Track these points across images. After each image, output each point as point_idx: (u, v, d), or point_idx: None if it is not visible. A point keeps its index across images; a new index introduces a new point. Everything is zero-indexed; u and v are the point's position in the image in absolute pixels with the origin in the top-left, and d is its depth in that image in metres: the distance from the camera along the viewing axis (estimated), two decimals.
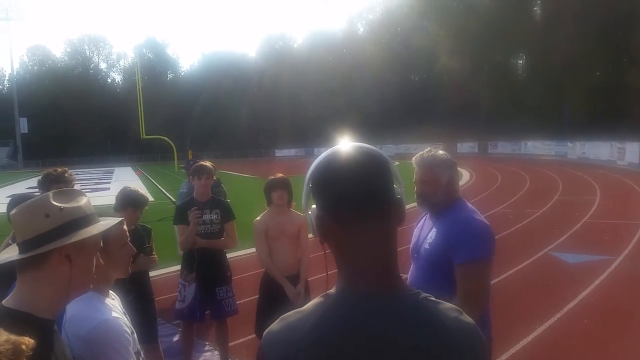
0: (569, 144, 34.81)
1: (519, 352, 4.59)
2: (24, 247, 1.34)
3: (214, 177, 5.77)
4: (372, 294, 1.01)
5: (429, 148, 2.61)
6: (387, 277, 1.03)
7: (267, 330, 1.05)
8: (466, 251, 2.27)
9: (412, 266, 2.62)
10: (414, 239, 2.67)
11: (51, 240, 1.33)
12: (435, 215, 2.53)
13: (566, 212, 12.20)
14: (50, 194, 1.41)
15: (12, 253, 1.38)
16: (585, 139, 32.72)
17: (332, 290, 1.05)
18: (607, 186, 17.02)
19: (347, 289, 1.03)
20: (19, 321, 1.28)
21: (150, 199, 19.48)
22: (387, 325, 0.97)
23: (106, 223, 1.49)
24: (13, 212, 1.39)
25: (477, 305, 2.22)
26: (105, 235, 1.50)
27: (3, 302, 1.36)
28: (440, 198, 2.47)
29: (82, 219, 1.41)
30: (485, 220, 2.45)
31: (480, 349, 1.02)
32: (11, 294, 1.37)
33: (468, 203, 2.57)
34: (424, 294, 1.04)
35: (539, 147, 39.00)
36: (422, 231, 2.59)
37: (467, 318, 1.03)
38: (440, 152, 2.54)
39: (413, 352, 0.96)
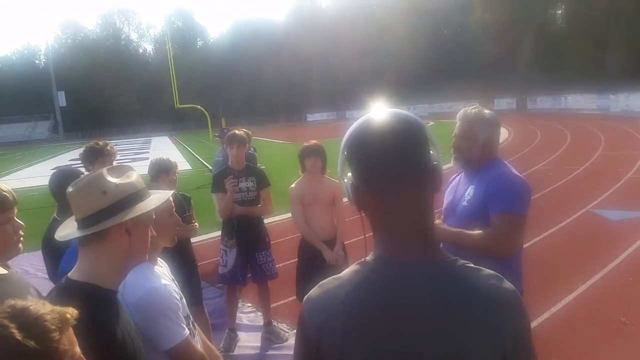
0: (612, 97, 33.30)
1: (560, 311, 4.56)
2: (84, 223, 1.42)
3: (250, 146, 5.82)
4: (409, 262, 1.01)
5: (474, 105, 2.63)
6: (423, 245, 1.03)
7: (306, 297, 1.07)
8: (502, 203, 2.32)
9: (445, 225, 2.62)
10: (447, 199, 2.67)
11: (110, 216, 1.40)
12: (472, 173, 2.54)
13: (609, 168, 11.80)
14: (105, 170, 1.47)
15: (70, 229, 1.46)
16: (629, 90, 31.23)
17: (369, 258, 1.06)
18: None
19: (383, 257, 1.03)
20: (85, 292, 1.37)
21: (188, 167, 20.07)
22: (424, 294, 0.97)
23: (158, 197, 1.56)
24: (70, 190, 1.46)
25: (508, 248, 2.31)
26: None
27: (69, 274, 1.45)
28: (475, 156, 2.49)
29: (136, 194, 1.48)
30: (523, 177, 2.47)
31: (521, 315, 1.01)
32: (75, 267, 1.45)
33: (506, 162, 2.57)
34: (462, 261, 1.03)
35: (580, 101, 37.50)
36: (458, 190, 2.59)
37: (507, 284, 1.01)
38: (486, 110, 2.55)
39: (451, 322, 0.95)
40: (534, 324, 4.13)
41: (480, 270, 1.02)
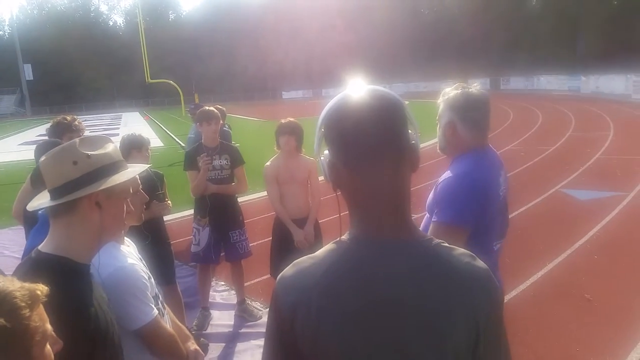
0: (583, 78, 33.91)
1: (529, 288, 4.68)
2: (54, 194, 1.37)
3: (225, 123, 5.71)
4: (384, 241, 1.00)
5: (457, 85, 2.29)
6: (399, 225, 1.02)
7: (280, 275, 1.05)
8: (438, 210, 2.05)
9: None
10: None
11: (80, 187, 1.35)
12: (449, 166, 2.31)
13: (578, 148, 12.08)
14: (77, 141, 1.41)
15: (43, 200, 1.41)
16: (599, 72, 31.85)
17: (345, 237, 1.04)
18: (621, 121, 16.74)
19: (359, 236, 1.02)
20: (56, 265, 1.32)
21: (160, 144, 19.74)
22: (399, 274, 0.97)
23: (134, 170, 1.51)
24: (42, 159, 1.41)
25: None
26: None
27: (39, 247, 1.40)
28: (442, 143, 2.25)
29: (110, 166, 1.42)
30: (484, 178, 2.10)
31: (494, 292, 1.01)
32: (46, 239, 1.40)
33: (480, 155, 2.18)
34: (437, 240, 1.03)
35: (552, 82, 38.09)
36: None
37: (480, 263, 1.02)
38: (470, 90, 2.23)
39: (426, 300, 0.96)
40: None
41: (454, 249, 1.02)
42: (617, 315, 4.11)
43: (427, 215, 2.30)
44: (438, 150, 2.30)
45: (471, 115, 2.15)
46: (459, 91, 2.19)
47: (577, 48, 43.65)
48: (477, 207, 2.03)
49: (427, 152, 2.57)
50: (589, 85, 32.53)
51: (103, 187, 1.37)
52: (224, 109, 6.58)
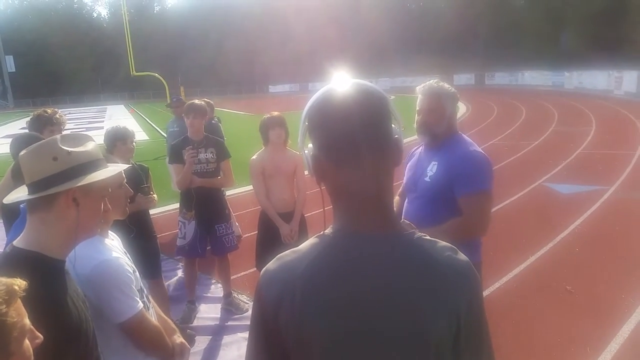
0: (566, 74, 34.28)
1: (511, 280, 4.75)
2: (32, 188, 1.37)
3: (215, 116, 5.68)
4: (367, 235, 1.01)
5: (435, 79, 2.62)
6: (382, 219, 1.03)
7: (264, 269, 1.06)
8: (469, 184, 2.37)
9: (407, 199, 2.65)
10: (408, 173, 2.68)
11: (58, 183, 1.35)
12: (434, 149, 2.54)
13: (561, 143, 12.23)
14: (59, 137, 1.41)
15: (21, 193, 1.41)
16: (582, 68, 32.20)
17: (328, 231, 1.05)
18: (603, 116, 16.96)
19: (342, 230, 1.03)
20: (30, 260, 1.31)
21: (146, 137, 19.53)
22: (381, 267, 0.98)
23: (113, 169, 1.50)
24: (22, 153, 1.40)
25: (481, 229, 2.43)
26: None
27: (14, 242, 1.39)
28: (442, 130, 2.50)
29: (90, 164, 1.42)
30: (484, 153, 2.51)
31: (474, 285, 1.03)
32: (21, 234, 1.40)
33: (465, 137, 2.60)
34: (419, 233, 1.04)
35: (536, 78, 38.44)
36: (419, 165, 2.60)
37: (461, 256, 1.03)
38: (446, 85, 2.55)
39: (407, 292, 0.97)
40: (486, 293, 4.29)
41: (436, 242, 1.04)
42: (597, 307, 4.19)
43: (410, 196, 2.50)
44: (420, 135, 2.59)
45: (457, 105, 2.63)
46: (447, 85, 2.56)
47: (561, 44, 44.06)
48: (493, 177, 2.46)
49: (411, 147, 2.62)
50: (573, 81, 32.91)
51: (81, 183, 1.37)
52: (212, 102, 6.54)
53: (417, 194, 2.55)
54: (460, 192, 2.37)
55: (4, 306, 0.93)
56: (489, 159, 2.49)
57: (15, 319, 0.96)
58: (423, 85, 2.56)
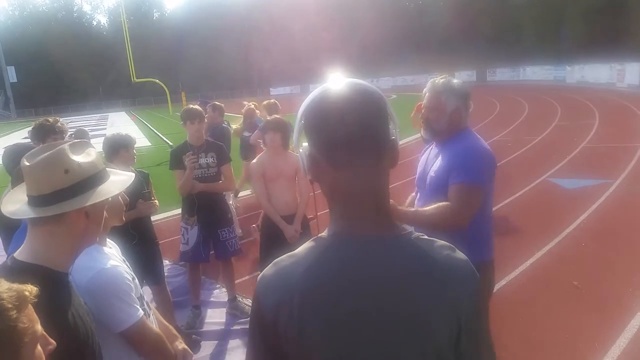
0: (568, 68, 34.15)
1: (518, 276, 4.72)
2: (40, 201, 1.31)
3: (223, 120, 5.68)
4: (365, 237, 0.99)
5: (443, 75, 2.61)
6: (379, 220, 1.01)
7: (260, 276, 1.04)
8: (459, 174, 2.35)
9: (418, 195, 2.65)
10: (419, 169, 2.70)
11: (70, 197, 1.32)
12: (441, 145, 2.56)
13: (564, 137, 12.17)
14: (67, 147, 1.37)
15: (20, 205, 1.36)
16: (584, 61, 32.06)
17: (324, 234, 1.03)
18: (606, 109, 16.88)
19: (338, 233, 1.01)
20: (37, 275, 1.28)
21: (147, 143, 19.57)
22: (381, 269, 0.96)
23: (120, 179, 1.48)
24: (28, 164, 1.34)
25: (461, 219, 2.31)
26: None
27: (15, 254, 1.35)
28: (444, 126, 2.50)
29: (97, 175, 1.40)
30: (488, 148, 2.49)
31: (473, 283, 1.01)
32: (22, 246, 1.35)
33: (474, 132, 2.58)
34: (417, 233, 1.02)
35: (537, 73, 38.32)
36: (428, 162, 2.63)
37: (459, 254, 1.02)
38: (455, 81, 2.55)
39: (406, 294, 0.95)
40: (493, 290, 4.26)
41: (434, 241, 1.02)
42: (604, 302, 4.15)
43: (420, 192, 2.48)
44: (423, 136, 2.63)
45: (469, 102, 2.56)
46: (458, 82, 2.56)
47: (561, 38, 43.90)
48: (490, 172, 2.43)
49: (409, 147, 2.61)
50: (574, 74, 32.77)
51: (96, 199, 1.35)
52: (222, 106, 6.52)
53: (425, 190, 2.57)
54: (451, 181, 2.36)
55: (15, 312, 0.93)
56: (491, 154, 2.47)
57: (26, 325, 0.95)
58: (429, 82, 2.58)
